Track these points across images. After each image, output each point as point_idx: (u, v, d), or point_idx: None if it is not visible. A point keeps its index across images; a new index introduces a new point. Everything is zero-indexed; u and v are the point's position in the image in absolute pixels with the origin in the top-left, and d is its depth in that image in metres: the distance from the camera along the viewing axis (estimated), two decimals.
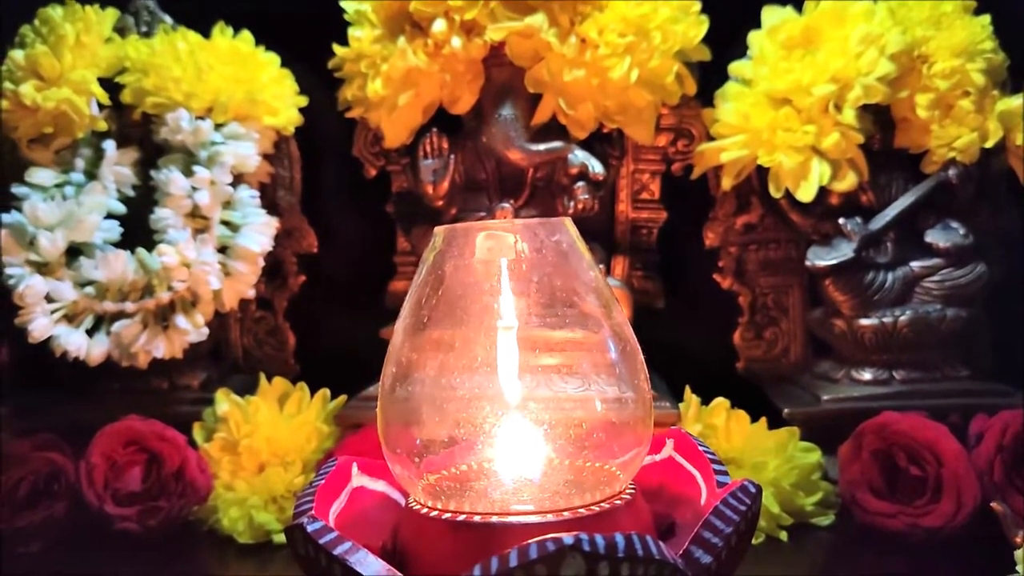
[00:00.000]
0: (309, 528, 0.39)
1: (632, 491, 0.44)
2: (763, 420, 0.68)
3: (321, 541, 0.39)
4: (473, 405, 0.46)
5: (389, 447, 0.46)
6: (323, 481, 0.47)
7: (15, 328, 0.69)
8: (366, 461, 0.51)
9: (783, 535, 0.62)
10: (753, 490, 0.43)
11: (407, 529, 0.45)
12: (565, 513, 0.41)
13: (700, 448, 0.51)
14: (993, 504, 0.52)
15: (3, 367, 0.78)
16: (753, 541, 0.58)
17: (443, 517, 0.42)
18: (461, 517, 0.42)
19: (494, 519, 0.42)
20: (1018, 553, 0.48)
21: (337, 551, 0.38)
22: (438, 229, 0.47)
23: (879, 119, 0.73)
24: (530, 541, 0.35)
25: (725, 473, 0.48)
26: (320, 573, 0.39)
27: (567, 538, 0.35)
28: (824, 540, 0.64)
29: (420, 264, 0.47)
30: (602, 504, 0.42)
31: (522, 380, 0.46)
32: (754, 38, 0.75)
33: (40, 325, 0.63)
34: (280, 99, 0.74)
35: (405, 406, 0.46)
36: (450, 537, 0.42)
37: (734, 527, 0.40)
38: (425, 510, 0.43)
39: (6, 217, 0.65)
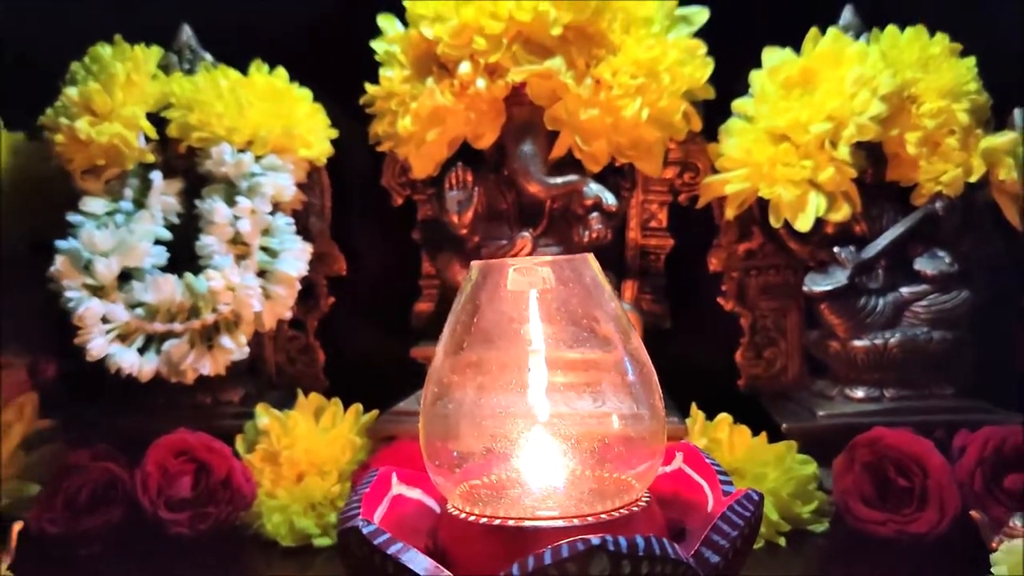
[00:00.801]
0: (364, 530, 0.44)
1: (647, 499, 0.49)
2: (763, 434, 0.72)
3: (375, 542, 0.44)
4: (506, 421, 0.51)
5: (430, 458, 0.51)
6: (367, 489, 0.52)
7: (63, 345, 0.75)
8: (404, 471, 0.56)
9: (781, 540, 0.66)
10: (756, 498, 0.48)
11: (446, 532, 0.50)
12: (589, 518, 0.46)
13: (707, 460, 0.56)
14: (973, 513, 0.57)
15: (49, 383, 0.84)
16: (754, 546, 0.63)
17: (480, 521, 0.47)
18: (496, 521, 0.47)
19: (526, 523, 0.46)
20: (994, 556, 0.53)
21: (391, 551, 0.43)
22: (474, 264, 0.52)
23: (871, 155, 0.76)
24: (562, 542, 0.40)
25: (730, 483, 0.53)
26: (373, 571, 0.44)
27: (595, 539, 0.40)
28: (819, 546, 0.67)
29: (458, 294, 0.52)
30: (621, 510, 0.47)
31: (549, 398, 0.51)
32: (755, 77, 0.79)
33: (98, 345, 0.68)
34: (313, 132, 0.79)
35: (445, 422, 0.51)
36: (486, 539, 0.47)
37: (739, 531, 0.45)
38: (463, 515, 0.48)
39: (63, 244, 0.70)
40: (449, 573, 0.43)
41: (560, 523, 0.46)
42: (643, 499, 0.49)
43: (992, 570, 0.51)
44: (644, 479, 0.51)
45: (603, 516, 0.46)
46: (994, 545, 0.53)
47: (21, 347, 0.83)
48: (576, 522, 0.45)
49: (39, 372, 0.84)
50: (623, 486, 0.50)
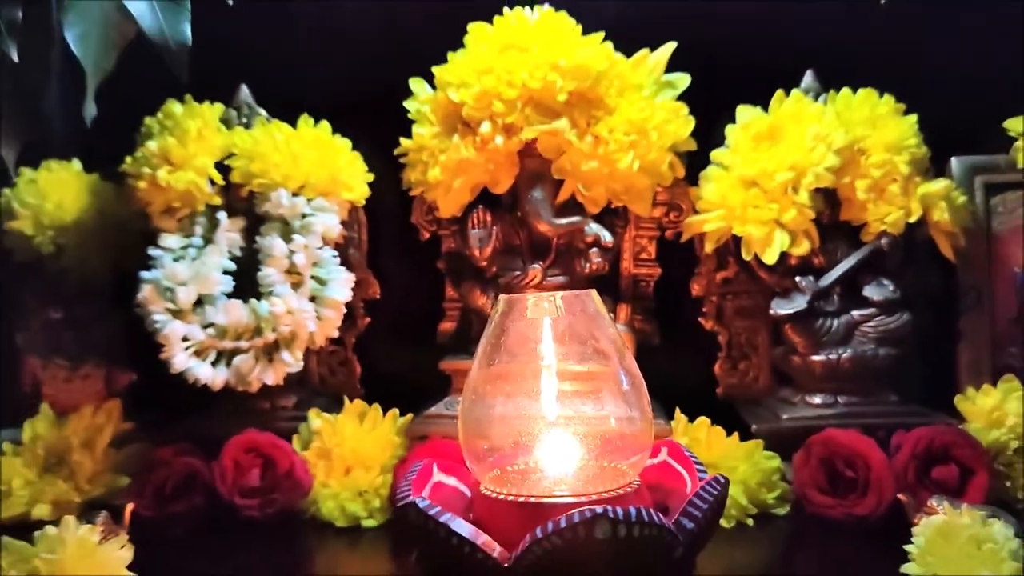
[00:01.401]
0: (420, 505, 0.57)
1: (638, 483, 0.62)
2: (736, 434, 0.82)
3: (430, 513, 0.57)
4: (527, 421, 0.64)
5: (467, 450, 0.64)
6: (415, 476, 0.65)
7: (139, 357, 0.87)
8: (442, 462, 0.69)
9: (750, 521, 0.77)
10: (723, 481, 0.61)
11: (480, 507, 0.63)
12: (592, 496, 0.59)
13: (687, 454, 0.69)
14: (900, 496, 0.70)
15: (122, 391, 0.95)
16: (726, 525, 0.76)
17: (507, 499, 0.60)
18: (521, 499, 0.60)
19: (544, 500, 0.60)
20: (915, 530, 0.65)
21: (442, 519, 0.56)
22: (502, 297, 0.65)
23: (827, 199, 0.86)
24: (573, 511, 0.53)
25: (705, 472, 0.66)
26: (428, 536, 0.57)
27: (599, 509, 0.53)
28: (781, 526, 0.78)
29: (489, 320, 0.65)
30: (617, 491, 0.60)
31: (560, 403, 0.65)
32: (730, 131, 0.89)
33: (180, 360, 0.80)
34: (353, 177, 0.90)
35: (479, 422, 0.64)
36: (513, 512, 0.60)
37: (709, 505, 0.59)
38: (494, 494, 0.61)
39: (147, 275, 0.83)
40: (486, 535, 0.57)
41: (571, 499, 0.59)
42: (634, 483, 0.62)
43: (912, 540, 0.63)
44: (635, 468, 0.64)
45: (604, 494, 0.59)
46: (916, 521, 0.65)
47: (99, 360, 0.96)
48: (583, 499, 0.58)
49: (114, 382, 0.96)
50: (619, 473, 0.64)
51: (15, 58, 0.62)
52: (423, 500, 0.58)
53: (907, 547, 0.62)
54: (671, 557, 0.56)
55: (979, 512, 0.63)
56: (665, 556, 0.55)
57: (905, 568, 0.62)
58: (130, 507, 0.69)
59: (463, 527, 0.56)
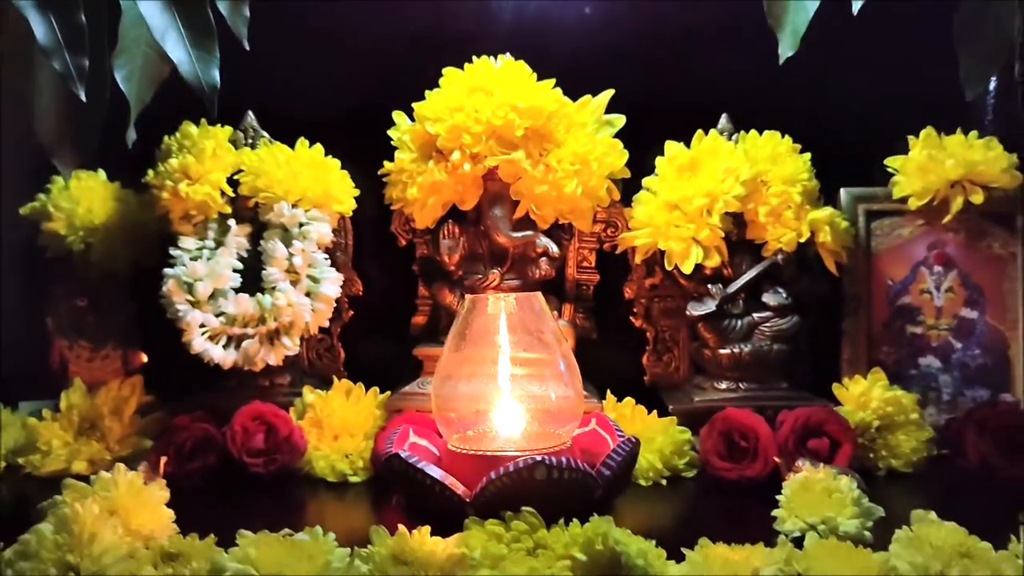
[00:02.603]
0: (403, 455, 0.74)
1: (569, 443, 0.80)
2: (655, 412, 0.98)
3: (410, 461, 0.74)
4: (486, 394, 0.81)
5: (439, 416, 0.81)
6: (396, 436, 0.82)
7: (158, 340, 1.02)
8: (417, 428, 0.86)
9: (664, 482, 0.92)
10: (635, 440, 0.78)
11: (447, 460, 0.80)
12: (534, 451, 0.76)
13: (611, 424, 0.86)
14: (775, 458, 0.88)
15: (136, 370, 1.11)
16: (644, 484, 0.92)
17: (470, 453, 0.78)
18: (480, 452, 0.77)
19: (498, 453, 0.77)
20: (784, 484, 0.82)
21: (419, 465, 0.73)
22: (468, 296, 0.82)
23: (735, 220, 1.00)
24: (519, 459, 0.71)
25: (624, 437, 0.83)
26: (408, 479, 0.74)
27: (538, 457, 0.70)
28: (689, 486, 0.92)
29: (456, 315, 0.82)
30: (553, 448, 0.78)
31: (512, 382, 0.82)
32: (659, 162, 1.03)
33: (198, 343, 0.96)
34: (343, 192, 1.05)
35: (448, 395, 0.81)
36: (474, 463, 0.77)
37: (623, 458, 0.76)
38: (459, 449, 0.78)
39: (170, 271, 0.98)
40: (453, 478, 0.74)
41: (517, 453, 0.76)
42: (567, 443, 0.80)
43: (782, 491, 0.81)
44: (568, 433, 0.82)
45: (543, 450, 0.77)
46: (785, 478, 0.83)
47: (117, 343, 1.11)
48: (527, 453, 0.75)
49: (129, 362, 1.11)
50: (555, 436, 0.81)
51: (83, 98, 0.77)
52: (404, 452, 0.75)
53: (778, 497, 0.79)
54: (593, 497, 0.73)
55: (831, 470, 0.81)
56: (588, 496, 0.73)
57: (775, 512, 0.79)
58: (164, 459, 0.85)
59: (435, 471, 0.74)
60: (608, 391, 1.02)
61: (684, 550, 0.66)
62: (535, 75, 1.01)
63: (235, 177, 1.03)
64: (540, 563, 0.63)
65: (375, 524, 0.68)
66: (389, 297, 1.13)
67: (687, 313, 1.04)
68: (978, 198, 1.03)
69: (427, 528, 0.67)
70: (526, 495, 0.69)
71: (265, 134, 1.08)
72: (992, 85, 1.11)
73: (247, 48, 0.85)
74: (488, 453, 0.77)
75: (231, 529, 0.68)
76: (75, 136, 0.83)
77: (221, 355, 0.97)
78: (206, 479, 0.92)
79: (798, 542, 0.70)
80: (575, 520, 0.68)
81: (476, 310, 0.82)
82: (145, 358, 1.11)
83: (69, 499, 0.73)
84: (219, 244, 1.02)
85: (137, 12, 0.83)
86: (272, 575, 0.63)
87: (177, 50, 0.82)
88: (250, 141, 1.07)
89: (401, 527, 0.66)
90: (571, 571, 0.62)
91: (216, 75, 0.83)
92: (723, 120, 1.07)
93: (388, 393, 1.02)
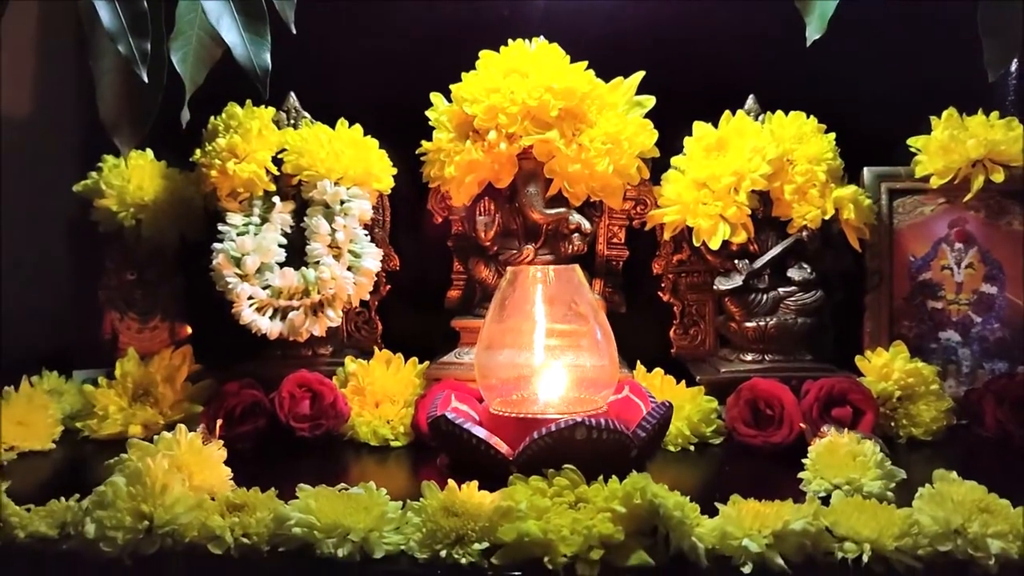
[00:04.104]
0: (450, 416, 0.78)
1: (605, 408, 0.84)
2: (683, 383, 1.01)
3: (457, 422, 0.78)
4: (525, 362, 0.85)
5: (481, 382, 0.85)
6: (440, 401, 0.86)
7: (203, 311, 1.07)
8: (458, 394, 0.90)
9: (692, 448, 0.96)
10: (668, 404, 0.82)
11: (488, 423, 0.84)
12: (572, 415, 0.80)
13: (644, 391, 0.90)
14: (801, 424, 0.92)
15: (183, 341, 1.15)
16: (674, 450, 0.96)
17: (511, 415, 0.82)
18: (520, 415, 0.81)
19: (538, 415, 0.81)
20: (810, 450, 0.86)
21: (465, 426, 0.78)
22: (510, 268, 0.86)
23: (761, 198, 1.03)
24: (560, 420, 0.75)
25: (658, 402, 0.87)
26: (454, 438, 0.78)
27: (578, 418, 0.75)
28: (716, 452, 0.96)
29: (498, 288, 0.86)
30: (589, 412, 0.82)
31: (548, 351, 0.86)
32: (687, 142, 1.07)
33: (247, 314, 1.00)
34: (382, 171, 1.09)
35: (491, 362, 0.85)
36: (515, 424, 0.81)
37: (657, 420, 0.80)
38: (501, 413, 0.83)
39: (219, 246, 1.03)
40: (497, 438, 0.78)
41: (558, 416, 0.80)
42: (602, 408, 0.84)
43: (807, 455, 0.85)
44: (604, 399, 0.86)
45: (580, 414, 0.81)
46: (811, 443, 0.87)
47: (164, 315, 1.15)
48: (566, 416, 0.79)
49: (175, 333, 1.16)
50: (591, 402, 0.85)
51: (144, 79, 0.81)
52: (451, 414, 0.79)
53: (804, 460, 0.83)
54: (629, 456, 0.77)
55: (855, 435, 0.84)
56: (625, 455, 0.77)
57: (802, 474, 0.83)
58: (220, 422, 0.89)
59: (480, 431, 0.78)
60: (637, 362, 1.05)
61: (717, 504, 0.70)
62: (568, 57, 1.04)
63: (279, 156, 1.08)
64: (583, 515, 0.67)
65: (417, 484, 0.72)
66: (424, 272, 1.17)
67: (714, 288, 1.08)
68: (999, 177, 1.05)
69: (475, 483, 0.71)
70: (566, 454, 0.73)
71: (307, 114, 1.12)
72: (1013, 67, 1.14)
73: (294, 32, 0.89)
74: (528, 416, 0.82)
75: (282, 487, 0.73)
76: (133, 116, 0.87)
77: (268, 326, 1.01)
78: (255, 442, 0.96)
79: (824, 501, 0.73)
80: (613, 477, 0.71)
81: (517, 282, 0.86)
82: (190, 329, 1.15)
83: (135, 457, 0.78)
84: (264, 220, 1.06)
85: None
86: (332, 524, 0.67)
87: (231, 34, 0.86)
88: (292, 122, 1.12)
89: (451, 481, 0.70)
90: (612, 523, 0.66)
91: (267, 58, 0.87)
92: (750, 101, 1.10)
93: (427, 363, 1.06)
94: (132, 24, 0.81)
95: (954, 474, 0.73)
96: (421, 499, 0.70)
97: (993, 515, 0.68)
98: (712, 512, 0.70)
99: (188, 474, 0.75)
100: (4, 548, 0.70)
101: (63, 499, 0.73)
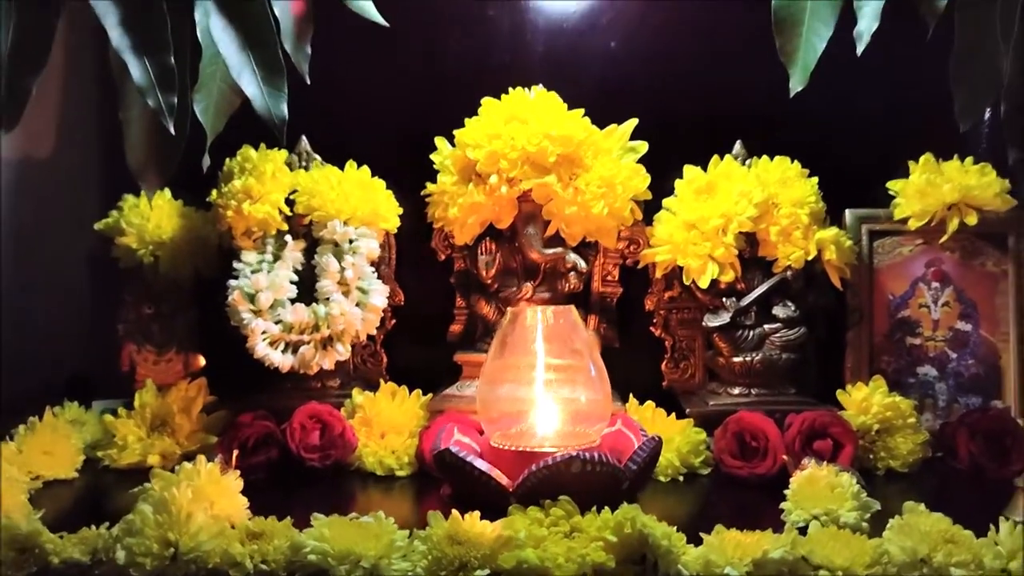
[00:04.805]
0: (453, 449, 0.83)
1: (598, 442, 0.89)
2: (673, 415, 1.06)
3: (460, 454, 0.83)
4: (524, 396, 0.90)
5: (483, 416, 0.90)
6: (444, 434, 0.91)
7: (216, 345, 1.12)
8: (460, 426, 0.95)
9: (681, 478, 1.01)
10: (657, 439, 0.87)
11: (489, 455, 0.89)
12: (567, 448, 0.86)
13: (635, 424, 0.95)
14: (784, 456, 0.97)
15: (196, 373, 1.20)
16: (663, 480, 1.01)
17: (511, 448, 0.87)
18: (519, 448, 0.87)
19: (535, 449, 0.86)
20: (791, 480, 0.91)
21: (468, 459, 0.83)
22: (510, 309, 0.91)
23: (748, 239, 1.08)
24: (556, 454, 0.80)
25: (648, 436, 0.92)
26: (458, 471, 0.83)
27: (574, 452, 0.80)
28: (704, 482, 1.01)
29: (500, 326, 0.92)
30: (583, 445, 0.87)
31: (547, 386, 0.91)
32: (678, 185, 1.12)
33: (260, 348, 1.06)
34: (389, 211, 1.15)
35: (492, 397, 0.90)
36: (514, 457, 0.86)
37: (647, 454, 0.85)
38: (501, 446, 0.88)
39: (235, 283, 1.08)
40: (498, 471, 0.83)
41: (554, 450, 0.86)
42: (596, 441, 0.89)
43: (789, 486, 0.90)
44: (597, 432, 0.91)
45: (575, 447, 0.86)
46: (793, 474, 0.92)
47: (179, 347, 1.20)
48: (562, 449, 0.85)
49: (189, 365, 1.21)
50: (585, 435, 0.90)
51: (172, 130, 0.87)
52: (454, 447, 0.85)
53: (785, 491, 0.88)
54: (620, 488, 0.83)
55: (834, 468, 0.90)
56: (616, 486, 0.82)
57: (783, 505, 0.88)
58: (236, 452, 0.95)
59: (483, 464, 0.83)
60: (630, 395, 1.10)
61: (701, 535, 0.75)
62: (565, 105, 1.10)
63: (291, 197, 1.13)
64: (577, 544, 0.73)
65: (421, 512, 0.77)
66: (428, 307, 1.21)
67: (703, 324, 1.13)
68: (972, 220, 1.11)
69: (477, 513, 0.76)
70: (562, 486, 0.79)
71: (317, 157, 1.18)
72: (987, 116, 1.20)
73: (308, 83, 0.94)
74: (527, 449, 0.87)
75: (295, 515, 0.78)
76: (158, 162, 0.93)
77: (280, 359, 1.07)
78: (267, 471, 1.01)
79: (803, 531, 0.79)
80: (606, 508, 0.77)
81: (517, 321, 0.92)
82: (203, 361, 1.20)
83: (158, 486, 0.83)
84: (277, 258, 1.11)
85: (214, 50, 0.93)
86: (344, 551, 0.72)
87: (251, 87, 0.92)
88: (304, 164, 1.17)
89: (454, 512, 0.76)
90: (604, 551, 0.72)
91: (284, 109, 0.93)
92: (737, 146, 1.16)
93: (430, 395, 1.11)
94: (160, 79, 0.87)
95: (922, 506, 0.79)
96: (427, 528, 0.75)
97: (957, 545, 0.73)
98: (697, 541, 0.75)
99: (209, 503, 0.80)
100: (39, 574, 0.75)
101: (93, 527, 0.77)
